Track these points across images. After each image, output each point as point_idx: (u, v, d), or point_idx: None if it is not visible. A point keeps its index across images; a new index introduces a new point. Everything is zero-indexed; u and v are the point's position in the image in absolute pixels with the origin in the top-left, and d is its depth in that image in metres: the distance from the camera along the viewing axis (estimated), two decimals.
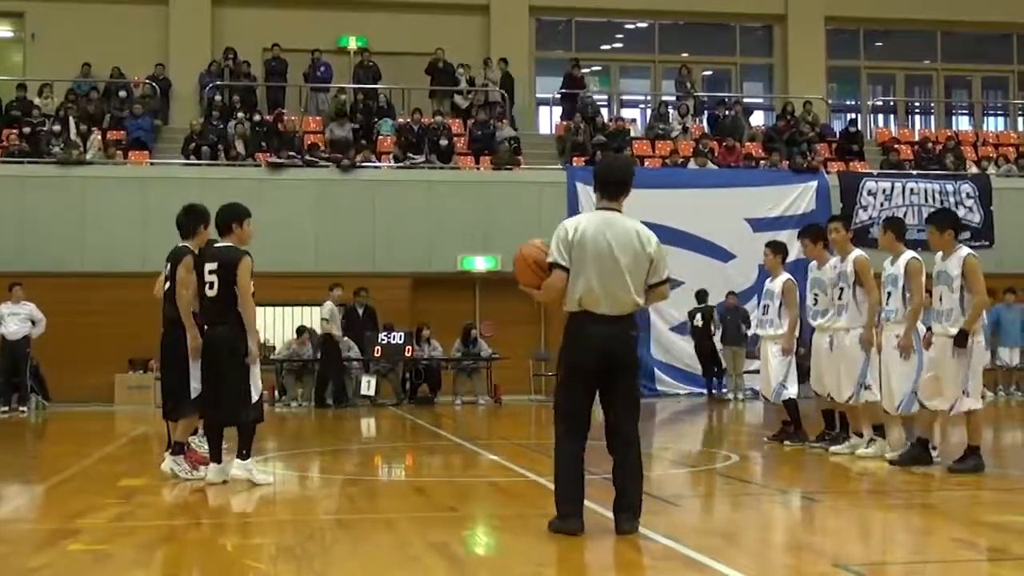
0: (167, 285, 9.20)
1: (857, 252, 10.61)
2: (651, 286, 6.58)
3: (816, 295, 11.13)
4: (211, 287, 8.81)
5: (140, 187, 21.06)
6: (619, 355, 6.46)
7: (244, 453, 8.82)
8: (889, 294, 9.88)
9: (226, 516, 7.82)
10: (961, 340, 9.06)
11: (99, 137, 22.36)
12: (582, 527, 6.43)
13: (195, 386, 9.01)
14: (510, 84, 25.23)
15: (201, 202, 9.62)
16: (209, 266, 8.84)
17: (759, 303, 12.60)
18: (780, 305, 11.84)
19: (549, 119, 26.94)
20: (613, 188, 6.70)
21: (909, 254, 9.84)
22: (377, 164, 22.54)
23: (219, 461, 8.86)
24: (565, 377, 6.59)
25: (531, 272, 6.57)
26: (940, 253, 9.41)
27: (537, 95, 27.14)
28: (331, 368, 19.31)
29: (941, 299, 9.27)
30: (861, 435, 10.66)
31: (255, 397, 8.81)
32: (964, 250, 9.33)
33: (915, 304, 9.64)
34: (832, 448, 10.86)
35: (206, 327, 8.94)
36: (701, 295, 20.99)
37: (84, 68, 24.36)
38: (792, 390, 11.85)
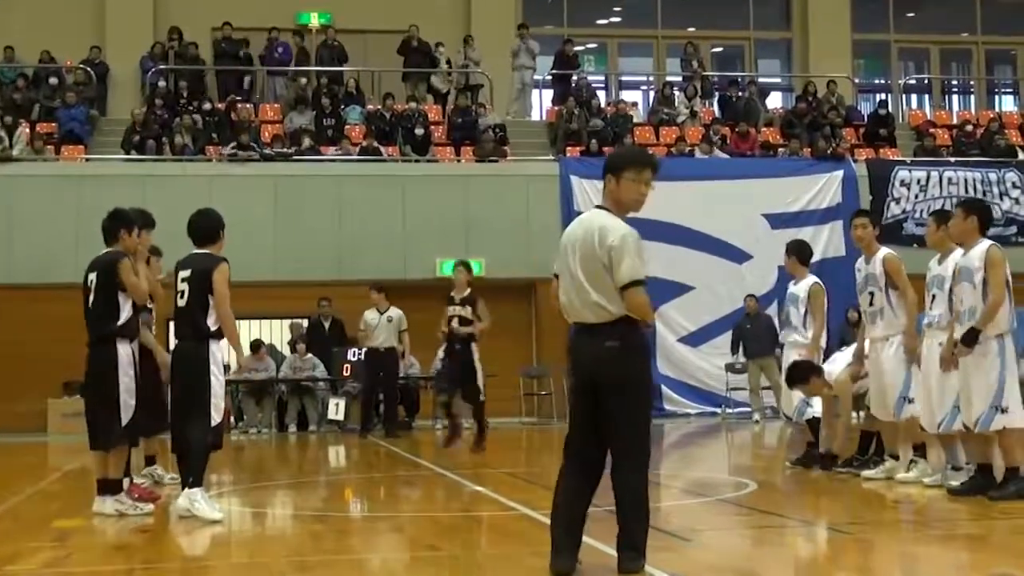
0: (91, 299, 9.22)
1: (885, 251, 10.60)
2: (620, 290, 6.36)
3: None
4: (182, 296, 9.16)
5: (74, 186, 21.00)
6: (601, 370, 6.36)
7: (192, 481, 8.90)
8: (934, 297, 9.86)
9: (174, 559, 7.79)
10: (969, 338, 9.07)
11: (27, 130, 22.30)
12: (572, 566, 6.33)
13: (126, 413, 9.06)
14: None
15: (144, 203, 9.73)
16: (182, 274, 9.24)
17: (780, 309, 12.63)
18: (805, 312, 11.88)
19: (539, 104, 26.95)
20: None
21: (959, 252, 9.74)
22: (344, 157, 22.51)
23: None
24: (568, 398, 6.73)
25: None
26: (959, 249, 9.46)
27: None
28: (376, 387, 18.86)
29: (962, 299, 9.29)
30: (897, 457, 10.67)
31: (216, 419, 8.97)
32: (986, 242, 9.38)
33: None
34: (864, 473, 10.87)
35: (175, 340, 9.33)
36: None
37: (7, 52, 24.30)
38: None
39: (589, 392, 6.42)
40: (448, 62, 25.30)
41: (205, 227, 9.37)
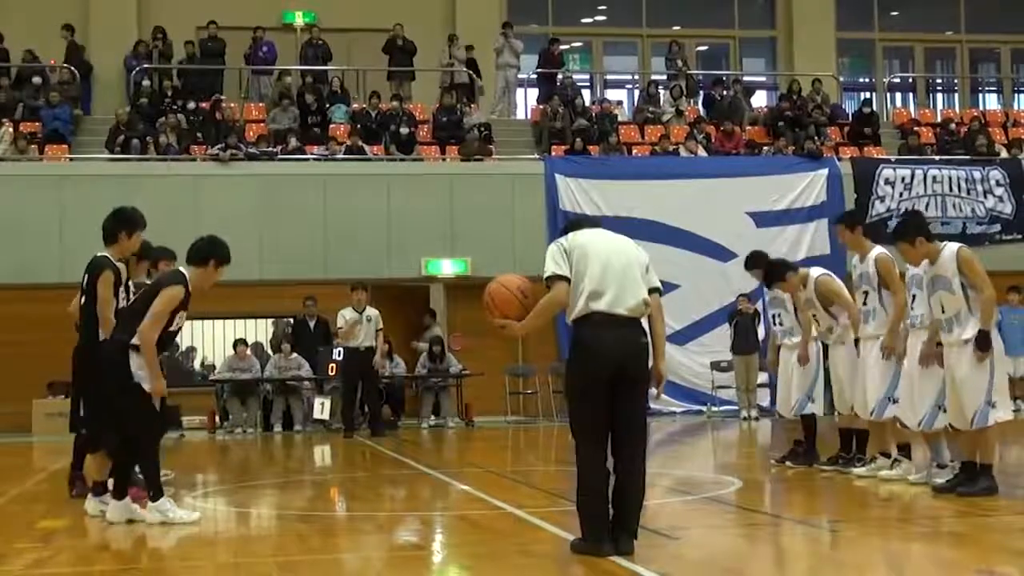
0: (83, 300, 9.15)
1: (878, 250, 10.61)
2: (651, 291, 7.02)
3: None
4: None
5: (58, 186, 20.93)
6: (633, 365, 6.81)
7: (152, 495, 8.70)
8: (914, 296, 9.90)
9: (159, 560, 7.77)
10: (984, 342, 9.10)
11: (10, 129, 22.22)
12: (615, 549, 6.69)
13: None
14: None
15: (129, 203, 9.64)
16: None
17: (765, 308, 12.64)
18: (797, 311, 11.91)
19: (524, 103, 26.96)
20: (587, 223, 7.35)
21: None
22: (329, 156, 22.46)
23: (123, 496, 8.78)
24: (578, 393, 6.87)
25: (517, 302, 6.89)
26: (925, 261, 9.51)
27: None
28: (357, 387, 18.74)
29: (943, 306, 9.31)
30: (889, 455, 10.71)
31: (156, 405, 8.75)
32: (953, 245, 9.42)
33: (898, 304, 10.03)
34: (856, 471, 10.90)
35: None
36: None
37: None
38: (818, 404, 11.90)
39: (608, 385, 6.74)
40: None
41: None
